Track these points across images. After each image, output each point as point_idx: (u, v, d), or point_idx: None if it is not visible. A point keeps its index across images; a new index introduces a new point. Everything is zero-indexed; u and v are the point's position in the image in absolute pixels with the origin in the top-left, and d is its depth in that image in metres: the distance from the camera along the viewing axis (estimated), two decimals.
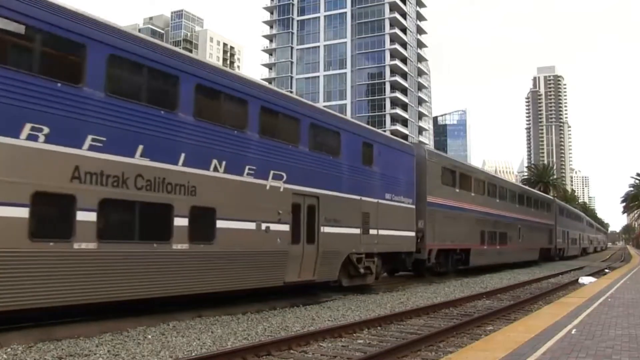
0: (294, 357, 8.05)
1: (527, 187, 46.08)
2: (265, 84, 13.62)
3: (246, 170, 11.77)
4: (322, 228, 14.16)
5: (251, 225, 11.86)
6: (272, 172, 12.48)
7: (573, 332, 8.43)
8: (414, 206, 19.23)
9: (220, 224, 11.00)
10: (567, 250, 50.17)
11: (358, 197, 15.85)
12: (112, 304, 9.53)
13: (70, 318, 9.27)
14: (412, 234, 19.11)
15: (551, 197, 50.97)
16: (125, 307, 10.08)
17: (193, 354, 7.65)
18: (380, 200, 17.05)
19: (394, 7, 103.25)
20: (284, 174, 12.80)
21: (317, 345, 8.79)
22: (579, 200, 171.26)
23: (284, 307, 12.76)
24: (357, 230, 15.75)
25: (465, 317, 11.95)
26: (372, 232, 16.45)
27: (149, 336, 8.81)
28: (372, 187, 16.71)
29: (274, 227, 12.46)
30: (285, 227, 12.85)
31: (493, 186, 29.52)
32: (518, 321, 10.39)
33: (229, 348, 7.99)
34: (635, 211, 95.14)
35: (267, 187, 12.32)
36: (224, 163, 11.16)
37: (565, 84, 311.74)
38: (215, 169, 10.99)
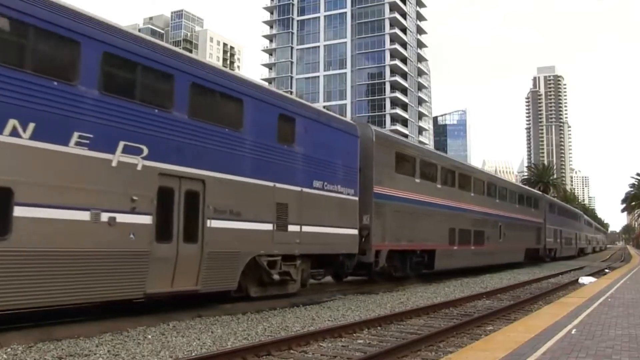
0: (294, 357, 8.04)
1: (509, 181, 40.84)
2: (112, 23, 9.75)
3: (74, 139, 8.56)
4: (209, 222, 10.84)
5: (82, 215, 8.66)
6: (122, 143, 9.29)
7: (573, 332, 8.43)
8: (356, 198, 15.89)
9: (21, 211, 7.87)
10: (560, 251, 45.87)
11: (270, 184, 12.58)
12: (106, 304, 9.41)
13: (70, 318, 9.27)
14: (354, 231, 15.75)
15: (540, 193, 45.74)
16: (125, 307, 10.09)
17: (193, 354, 7.64)
18: (306, 189, 13.68)
19: (394, 7, 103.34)
20: (144, 148, 9.66)
21: (317, 345, 8.78)
22: (579, 200, 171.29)
23: (284, 307, 12.75)
24: (267, 226, 12.52)
25: (465, 317, 11.94)
26: (293, 228, 13.21)
27: (149, 336, 8.80)
28: (292, 171, 13.40)
29: (123, 218, 9.27)
30: (145, 219, 9.63)
31: (466, 178, 25.41)
32: (518, 321, 10.39)
33: (229, 348, 7.99)
34: (636, 211, 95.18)
35: (114, 164, 9.15)
36: (31, 126, 7.99)
37: (565, 84, 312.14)
38: (15, 134, 7.85)
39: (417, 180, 20.06)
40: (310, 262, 14.41)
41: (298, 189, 13.50)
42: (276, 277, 12.85)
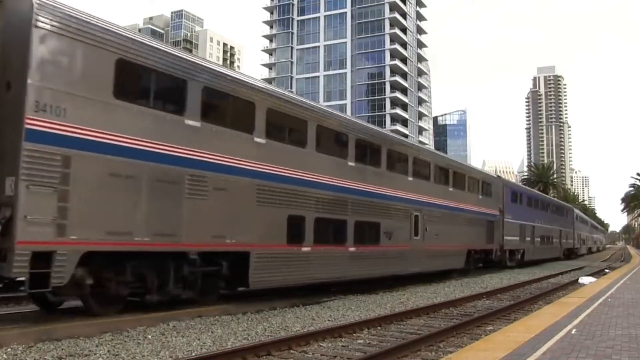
0: (294, 357, 8.05)
1: (438, 152, 28.50)
2: None
3: None
4: None
5: None
6: None
7: (573, 332, 8.43)
8: None
9: None
10: (532, 252, 35.84)
11: None
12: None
13: (70, 318, 9.27)
14: None
15: (495, 176, 32.36)
16: (125, 307, 10.09)
17: (193, 354, 7.64)
18: None
19: (394, 7, 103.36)
20: None
21: (317, 345, 8.79)
22: (579, 200, 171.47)
23: (284, 307, 12.75)
24: None
25: (465, 317, 11.95)
26: None
27: (149, 336, 8.81)
28: None
29: None
30: None
31: (338, 137, 15.94)
32: (518, 321, 10.39)
33: (229, 348, 7.99)
34: (636, 211, 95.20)
35: None
36: None
37: (565, 84, 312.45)
38: None
39: (196, 124, 10.99)
40: None
41: None
42: None
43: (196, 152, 10.96)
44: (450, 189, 22.96)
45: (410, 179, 19.55)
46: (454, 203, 23.11)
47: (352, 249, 15.82)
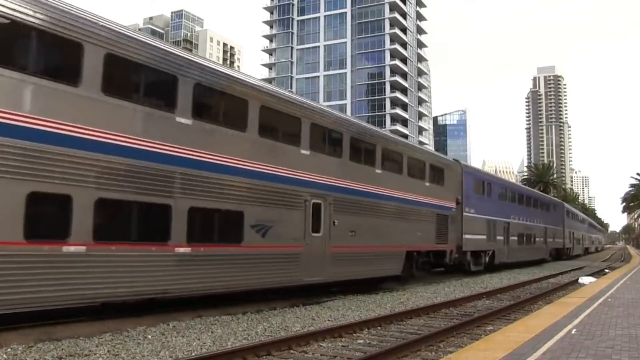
0: (294, 357, 8.05)
1: (358, 121, 19.21)
2: None
3: None
4: None
5: None
6: None
7: (573, 332, 8.43)
8: None
9: None
10: (507, 254, 29.88)
11: None
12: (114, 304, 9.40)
13: (70, 318, 9.27)
14: None
15: (451, 160, 24.87)
16: (126, 307, 10.09)
17: (193, 354, 7.65)
18: None
19: (394, 7, 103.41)
20: None
21: (317, 345, 8.79)
22: (579, 200, 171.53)
23: (284, 307, 12.75)
24: None
25: (465, 317, 11.94)
26: None
27: (149, 336, 8.81)
28: None
29: None
30: None
31: (149, 73, 10.26)
32: (518, 321, 10.38)
33: (229, 348, 7.99)
34: (636, 211, 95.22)
35: None
36: None
37: (565, 84, 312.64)
38: None
39: None
40: None
41: None
42: None
43: None
44: (378, 171, 17.04)
45: (306, 152, 13.83)
46: (383, 190, 17.26)
47: (182, 249, 10.38)
